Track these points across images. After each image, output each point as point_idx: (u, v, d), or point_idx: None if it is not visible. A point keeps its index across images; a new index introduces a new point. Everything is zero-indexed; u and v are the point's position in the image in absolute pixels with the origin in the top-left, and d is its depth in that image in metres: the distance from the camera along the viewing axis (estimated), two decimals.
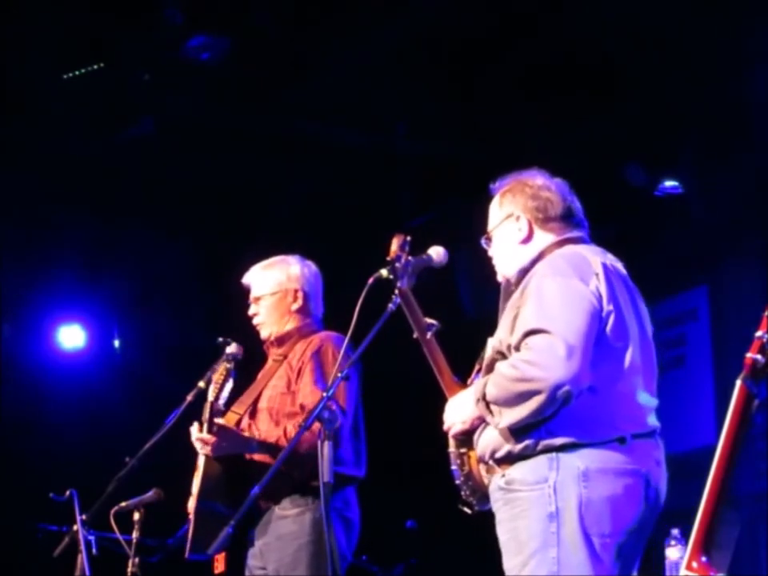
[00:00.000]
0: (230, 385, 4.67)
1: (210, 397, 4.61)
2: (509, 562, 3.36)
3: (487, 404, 3.33)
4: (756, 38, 6.06)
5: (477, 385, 3.41)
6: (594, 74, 6.42)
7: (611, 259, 3.52)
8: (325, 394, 3.58)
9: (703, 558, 2.49)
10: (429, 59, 6.49)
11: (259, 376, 4.78)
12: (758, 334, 2.50)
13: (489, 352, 3.49)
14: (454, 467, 3.56)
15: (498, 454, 3.39)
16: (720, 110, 6.46)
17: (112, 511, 4.92)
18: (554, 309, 3.28)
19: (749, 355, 2.50)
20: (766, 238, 6.72)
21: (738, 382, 2.51)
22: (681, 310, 7.82)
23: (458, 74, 6.58)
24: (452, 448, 3.56)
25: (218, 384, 4.63)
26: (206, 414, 4.54)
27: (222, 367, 4.67)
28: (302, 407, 4.49)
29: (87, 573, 4.87)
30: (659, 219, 7.39)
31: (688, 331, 7.76)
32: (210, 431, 4.48)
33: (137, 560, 4.92)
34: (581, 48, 6.27)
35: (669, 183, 7.20)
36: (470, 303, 7.44)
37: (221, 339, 4.77)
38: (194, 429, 4.56)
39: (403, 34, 6.36)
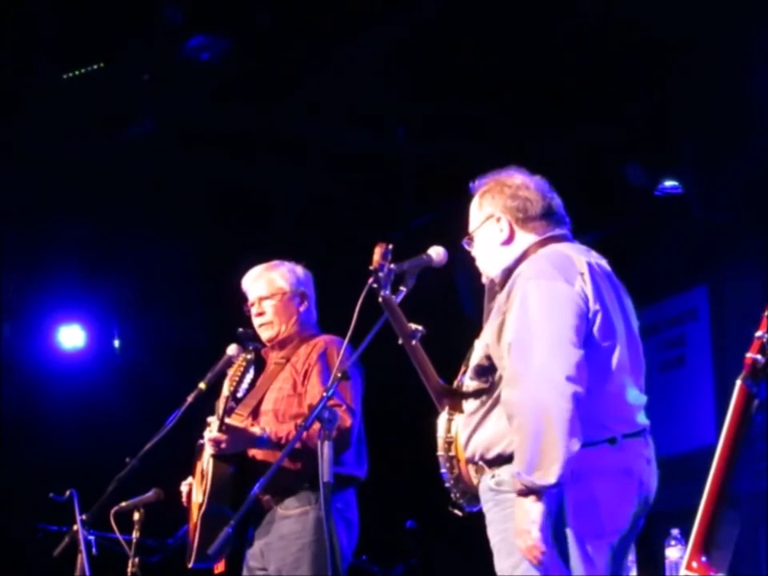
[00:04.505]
0: (249, 376, 4.60)
1: (226, 392, 4.53)
2: (500, 564, 3.36)
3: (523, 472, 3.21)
4: (756, 38, 6.06)
5: (512, 480, 3.26)
6: (594, 75, 6.42)
7: (595, 257, 3.50)
8: (325, 394, 3.59)
9: (703, 558, 2.49)
10: (429, 59, 6.49)
11: (260, 380, 4.73)
12: (758, 333, 2.50)
13: (476, 354, 3.50)
14: (443, 471, 3.56)
15: (489, 456, 3.38)
16: (720, 110, 6.46)
17: (112, 511, 4.93)
18: (538, 322, 3.26)
19: (749, 355, 2.50)
20: (766, 238, 6.72)
21: (738, 382, 2.51)
22: (681, 310, 7.82)
23: (458, 74, 6.58)
24: (441, 452, 3.56)
25: (235, 378, 4.54)
26: (220, 411, 4.46)
27: (240, 359, 4.60)
28: (311, 408, 4.47)
29: (87, 573, 4.87)
30: (659, 219, 7.40)
31: (688, 331, 7.76)
32: (219, 430, 4.43)
33: (137, 560, 4.93)
34: (581, 48, 6.27)
35: (669, 183, 7.20)
36: (470, 303, 7.44)
37: (241, 330, 4.75)
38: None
39: (403, 34, 6.36)
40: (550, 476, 3.15)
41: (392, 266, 3.63)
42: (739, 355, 2.54)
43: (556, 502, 3.23)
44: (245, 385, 4.60)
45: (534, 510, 3.18)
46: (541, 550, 3.19)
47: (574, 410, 3.15)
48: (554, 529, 3.23)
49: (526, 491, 3.18)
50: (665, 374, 7.70)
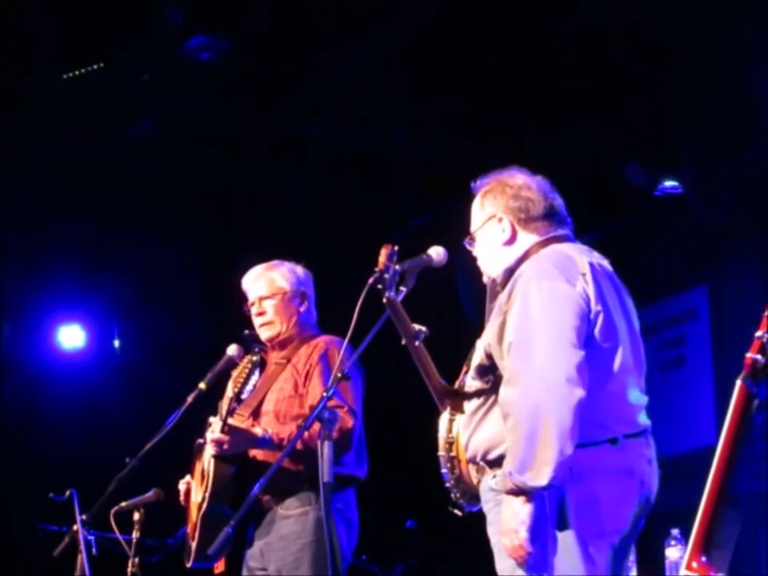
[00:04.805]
0: (254, 378, 4.60)
1: (230, 393, 4.54)
2: (501, 564, 3.35)
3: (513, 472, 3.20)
4: (756, 38, 6.06)
5: (499, 481, 3.30)
6: (594, 74, 6.42)
7: (597, 257, 3.50)
8: (325, 394, 3.60)
9: (703, 558, 2.49)
10: (429, 59, 6.49)
11: (260, 380, 4.73)
12: (758, 333, 2.50)
13: (477, 354, 3.50)
14: (444, 471, 3.56)
15: (490, 456, 3.38)
16: (720, 110, 6.46)
17: (112, 511, 4.93)
18: (539, 322, 3.26)
19: (749, 355, 2.50)
20: (766, 238, 6.73)
21: (738, 382, 2.51)
22: (681, 310, 7.82)
23: (458, 74, 6.59)
24: (442, 452, 3.56)
25: (240, 379, 4.55)
26: (223, 412, 4.46)
27: (246, 360, 4.61)
28: (311, 409, 4.46)
29: (87, 573, 4.87)
30: (659, 219, 7.40)
31: (688, 331, 7.76)
32: (222, 431, 4.43)
33: (137, 560, 4.93)
34: (581, 48, 6.27)
35: (669, 183, 7.20)
36: (470, 303, 7.44)
37: (246, 332, 4.75)
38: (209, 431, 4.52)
39: (403, 34, 6.36)
40: (541, 477, 3.14)
41: (397, 266, 3.64)
42: (739, 355, 2.54)
43: (557, 502, 3.23)
44: (249, 386, 4.61)
45: (523, 510, 3.19)
46: (527, 551, 3.19)
47: (571, 412, 3.15)
48: (555, 528, 3.23)
49: (517, 491, 3.18)
50: (665, 374, 7.70)
